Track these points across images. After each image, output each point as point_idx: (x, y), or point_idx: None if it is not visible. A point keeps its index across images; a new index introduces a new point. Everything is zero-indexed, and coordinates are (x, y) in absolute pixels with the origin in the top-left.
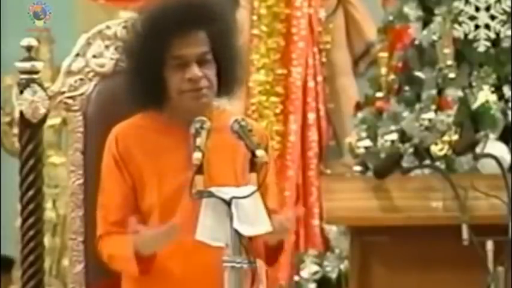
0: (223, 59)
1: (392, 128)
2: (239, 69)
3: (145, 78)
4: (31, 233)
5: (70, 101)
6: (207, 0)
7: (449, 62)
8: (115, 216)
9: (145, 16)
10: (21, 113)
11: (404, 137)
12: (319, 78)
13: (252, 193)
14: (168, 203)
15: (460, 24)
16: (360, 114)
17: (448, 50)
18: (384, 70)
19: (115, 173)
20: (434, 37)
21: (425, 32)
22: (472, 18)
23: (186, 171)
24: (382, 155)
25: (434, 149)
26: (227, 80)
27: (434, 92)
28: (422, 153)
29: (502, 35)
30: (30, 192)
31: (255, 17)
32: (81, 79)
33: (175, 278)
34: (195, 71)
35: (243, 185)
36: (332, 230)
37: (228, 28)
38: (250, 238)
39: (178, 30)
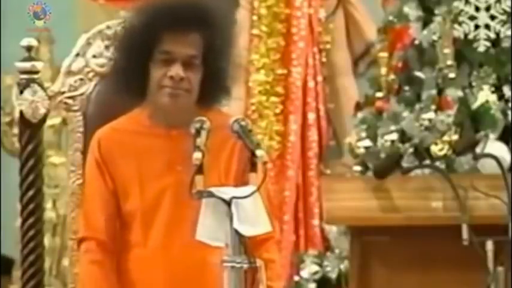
0: (212, 67)
1: (392, 128)
2: (227, 79)
3: (131, 68)
4: (31, 233)
5: (70, 101)
6: (209, 5)
7: (449, 62)
8: (96, 221)
9: (143, 7)
10: (21, 113)
11: (404, 137)
12: (319, 78)
13: (252, 193)
14: (150, 207)
15: (460, 24)
16: (360, 114)
17: (448, 50)
18: (384, 70)
19: (97, 177)
20: (434, 37)
21: (425, 32)
22: (472, 18)
23: (167, 175)
24: (382, 155)
25: (434, 149)
26: (211, 88)
27: (434, 92)
28: (422, 153)
29: (502, 35)
30: (30, 192)
31: (255, 17)
32: (81, 79)
33: (161, 280)
34: (178, 70)
35: (231, 184)
36: (332, 230)
37: (225, 36)
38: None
39: (172, 26)
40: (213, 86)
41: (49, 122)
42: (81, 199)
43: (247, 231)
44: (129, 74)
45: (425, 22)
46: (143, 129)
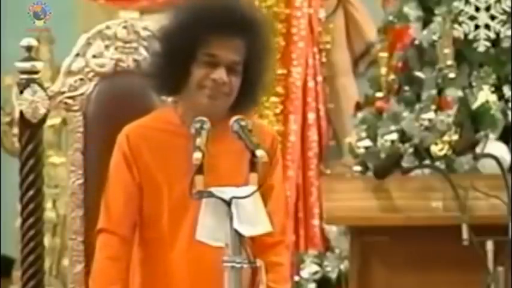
0: (250, 74)
1: (392, 128)
2: (261, 88)
3: (171, 65)
4: (31, 233)
5: (70, 101)
6: (255, 13)
7: (449, 62)
8: (118, 213)
9: (191, 7)
10: (21, 113)
11: (404, 137)
12: (319, 78)
13: (252, 193)
14: (177, 206)
15: (460, 24)
16: (360, 114)
17: (448, 50)
18: (383, 70)
19: (123, 169)
20: (434, 37)
21: (425, 32)
22: (472, 18)
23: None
24: (382, 155)
25: (434, 149)
26: (245, 96)
27: (434, 92)
28: (422, 153)
29: (502, 35)
30: (30, 192)
31: None
32: (81, 79)
33: (186, 281)
34: (222, 74)
35: (242, 185)
36: (332, 230)
37: (266, 46)
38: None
39: (220, 30)
40: (247, 94)
41: (49, 122)
42: (104, 191)
43: (247, 231)
44: (169, 71)
45: (425, 22)
46: (172, 128)
